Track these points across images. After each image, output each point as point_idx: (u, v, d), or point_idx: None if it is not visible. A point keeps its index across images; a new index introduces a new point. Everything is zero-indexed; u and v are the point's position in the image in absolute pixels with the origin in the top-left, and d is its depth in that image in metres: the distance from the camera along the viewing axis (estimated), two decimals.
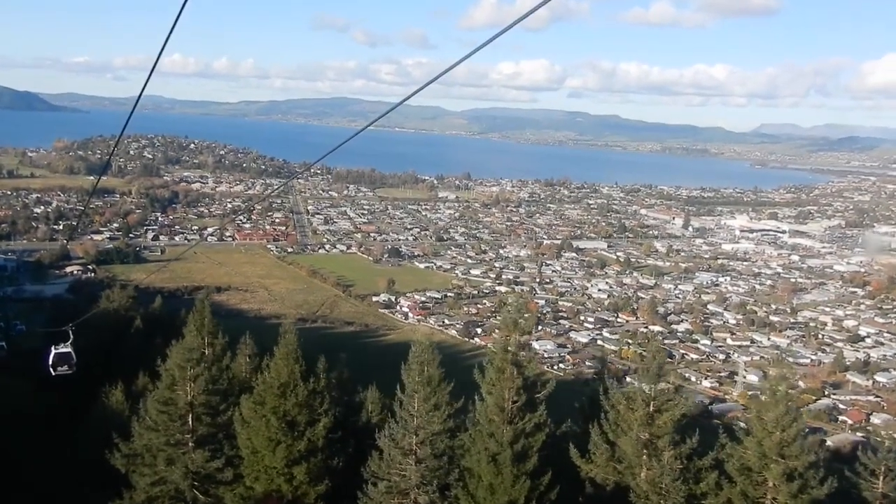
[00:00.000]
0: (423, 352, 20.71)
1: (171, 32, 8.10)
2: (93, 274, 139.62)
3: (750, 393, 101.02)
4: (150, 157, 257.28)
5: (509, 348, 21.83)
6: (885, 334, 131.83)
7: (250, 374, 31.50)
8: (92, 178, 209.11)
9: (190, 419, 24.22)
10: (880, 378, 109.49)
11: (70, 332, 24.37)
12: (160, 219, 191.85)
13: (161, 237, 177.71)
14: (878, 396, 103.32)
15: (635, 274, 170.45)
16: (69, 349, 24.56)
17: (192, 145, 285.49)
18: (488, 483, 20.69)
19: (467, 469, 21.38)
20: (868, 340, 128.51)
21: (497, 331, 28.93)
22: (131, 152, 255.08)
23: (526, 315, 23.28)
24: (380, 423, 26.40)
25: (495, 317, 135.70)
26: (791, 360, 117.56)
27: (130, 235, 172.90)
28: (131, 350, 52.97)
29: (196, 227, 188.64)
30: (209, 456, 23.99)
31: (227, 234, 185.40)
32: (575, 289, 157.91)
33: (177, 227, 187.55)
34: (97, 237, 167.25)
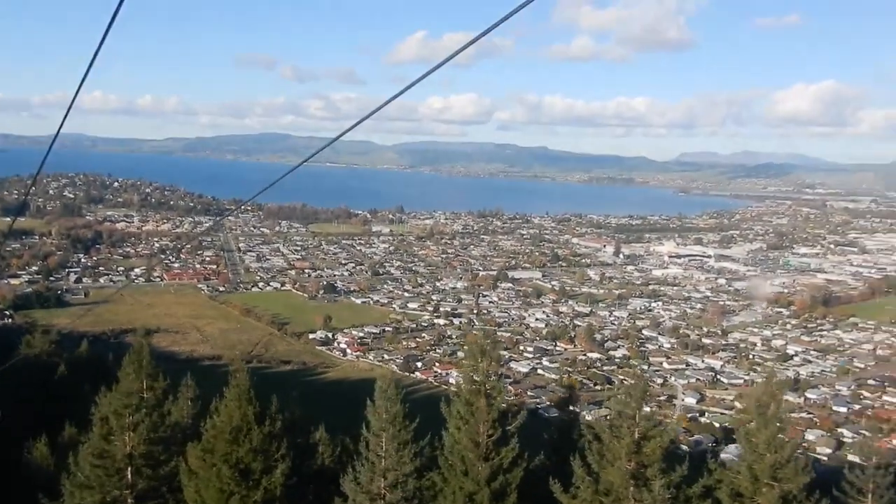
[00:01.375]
0: (389, 388, 19.55)
1: (89, 69, 7.86)
2: (10, 320, 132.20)
3: (688, 416, 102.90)
4: (72, 196, 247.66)
5: (477, 378, 20.96)
6: (812, 352, 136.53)
7: (193, 420, 29.43)
8: (8, 219, 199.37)
9: (129, 473, 21.98)
10: (810, 395, 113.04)
11: None
12: (83, 260, 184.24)
13: (84, 279, 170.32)
14: (810, 413, 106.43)
15: (571, 302, 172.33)
16: None
17: (116, 183, 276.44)
18: None
19: None
20: (796, 359, 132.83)
21: (463, 361, 27.82)
22: (51, 192, 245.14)
23: (493, 343, 22.44)
24: (335, 467, 24.82)
25: (435, 350, 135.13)
26: (725, 381, 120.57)
27: (51, 278, 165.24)
28: (56, 399, 49.79)
29: (122, 268, 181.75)
30: None
31: (156, 274, 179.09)
32: (513, 319, 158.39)
33: (101, 268, 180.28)
34: (14, 281, 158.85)
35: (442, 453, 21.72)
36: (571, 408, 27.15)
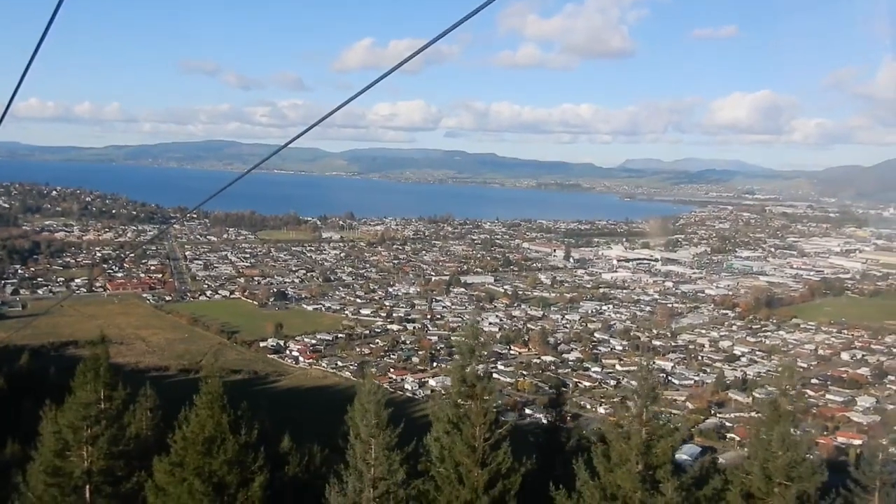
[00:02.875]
0: (377, 392, 18.54)
1: (23, 75, 7.69)
2: None
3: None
4: (7, 206, 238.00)
5: (466, 379, 20.10)
6: (757, 352, 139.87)
7: (153, 432, 27.84)
8: None
9: (87, 491, 20.23)
10: (758, 394, 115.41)
11: None
12: (20, 271, 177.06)
13: (22, 291, 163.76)
14: (758, 412, 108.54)
15: (523, 306, 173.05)
16: None
17: (55, 192, 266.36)
18: None
19: None
20: (743, 359, 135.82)
21: (451, 361, 26.79)
22: None
23: (482, 342, 21.63)
24: (305, 477, 23.63)
25: (389, 356, 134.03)
26: (676, 382, 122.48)
27: None
28: None
29: (62, 279, 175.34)
30: None
31: (98, 284, 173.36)
32: (466, 323, 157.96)
33: (40, 279, 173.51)
34: None
35: (429, 460, 20.43)
36: (560, 409, 26.44)
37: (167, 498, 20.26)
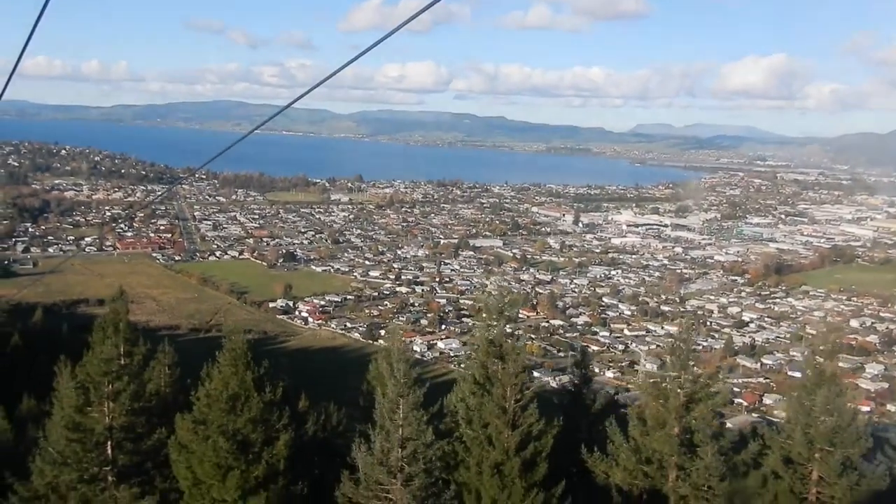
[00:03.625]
0: (406, 351, 18.15)
1: (32, 32, 7.59)
2: None
3: (651, 380, 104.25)
4: (17, 164, 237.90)
5: (494, 340, 19.74)
6: (766, 319, 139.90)
7: (170, 389, 27.70)
8: None
9: (108, 447, 19.82)
10: (766, 360, 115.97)
11: None
12: (31, 230, 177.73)
13: (33, 249, 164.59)
14: (766, 378, 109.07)
15: (532, 270, 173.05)
16: None
17: (64, 151, 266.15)
18: (491, 499, 17.89)
19: (463, 484, 18.45)
20: (751, 325, 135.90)
21: (477, 320, 26.32)
22: None
23: (510, 301, 21.21)
24: (325, 436, 23.45)
25: (398, 317, 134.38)
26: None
27: None
28: (10, 370, 47.71)
29: (72, 238, 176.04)
30: (137, 493, 19.51)
31: (108, 243, 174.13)
32: (475, 287, 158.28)
33: (50, 237, 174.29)
34: None
35: (454, 421, 20.00)
36: (585, 371, 26.12)
37: (190, 455, 19.91)
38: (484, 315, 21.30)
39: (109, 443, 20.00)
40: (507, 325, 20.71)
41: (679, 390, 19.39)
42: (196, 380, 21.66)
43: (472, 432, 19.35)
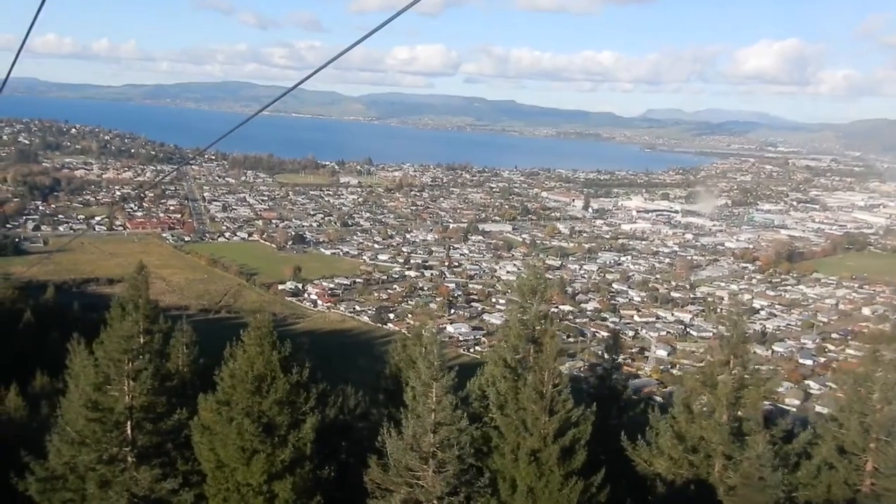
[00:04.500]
0: (438, 333, 17.48)
1: (39, 9, 7.52)
2: None
3: (661, 368, 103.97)
4: (27, 142, 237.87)
5: (527, 320, 19.06)
6: (777, 306, 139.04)
7: (188, 368, 27.19)
8: None
9: (128, 427, 19.17)
10: (777, 348, 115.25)
11: None
12: (41, 208, 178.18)
13: (43, 227, 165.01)
14: (777, 365, 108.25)
15: (541, 255, 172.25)
16: None
17: (74, 130, 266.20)
18: (526, 487, 17.17)
19: (497, 471, 17.81)
20: (762, 313, 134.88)
21: (510, 300, 25.41)
22: (4, 137, 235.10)
23: (544, 282, 20.49)
24: (346, 419, 22.77)
25: (407, 301, 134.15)
26: (695, 333, 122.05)
27: (8, 226, 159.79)
28: (22, 347, 47.61)
29: (82, 216, 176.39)
30: (159, 474, 18.86)
31: (118, 222, 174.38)
32: (484, 271, 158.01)
33: (60, 216, 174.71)
34: None
35: (483, 406, 19.18)
36: (616, 356, 25.46)
37: (214, 437, 19.30)
38: (517, 296, 20.40)
39: (129, 423, 19.44)
40: (542, 306, 19.86)
41: (729, 377, 18.53)
42: (211, 360, 21.04)
43: (506, 418, 18.65)
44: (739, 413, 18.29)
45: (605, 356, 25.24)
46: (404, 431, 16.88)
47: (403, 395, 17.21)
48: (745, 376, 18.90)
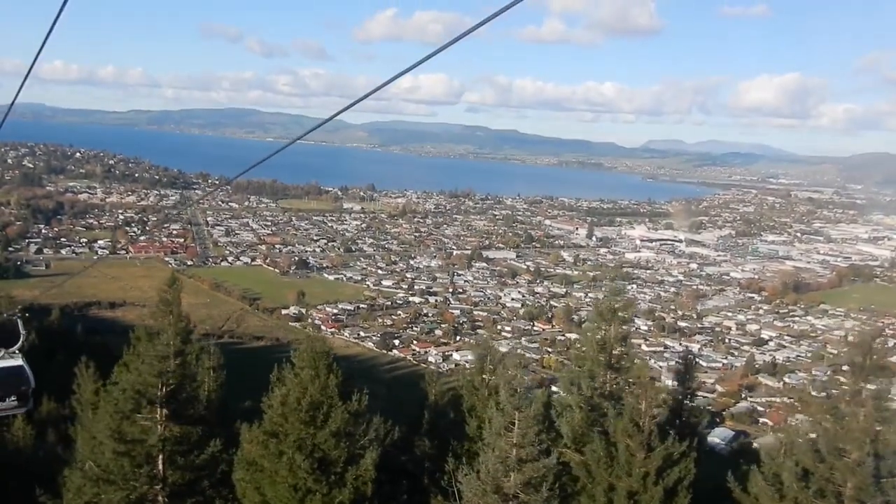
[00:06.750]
0: (517, 358, 16.01)
1: (48, 36, 7.73)
2: None
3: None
4: (31, 165, 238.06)
5: (605, 345, 17.59)
6: (786, 337, 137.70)
7: (216, 394, 25.54)
8: None
9: (160, 462, 17.15)
10: (789, 380, 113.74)
11: (19, 323, 15.71)
12: (44, 231, 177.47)
13: (45, 250, 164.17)
14: (790, 398, 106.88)
15: (546, 283, 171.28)
16: (20, 362, 14.97)
17: (78, 154, 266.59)
18: None
19: None
20: (771, 344, 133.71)
21: (587, 323, 23.49)
22: (9, 161, 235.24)
23: (625, 301, 19.06)
24: (392, 455, 20.61)
25: (412, 328, 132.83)
26: (704, 364, 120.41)
27: (10, 249, 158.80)
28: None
29: (85, 240, 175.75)
30: None
31: (121, 246, 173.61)
32: (489, 298, 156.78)
33: (63, 239, 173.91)
34: None
35: (552, 437, 17.08)
36: (689, 385, 24.01)
37: (260, 475, 17.16)
38: (594, 317, 18.84)
39: (161, 456, 17.40)
40: (620, 329, 18.42)
41: (860, 409, 16.60)
42: (237, 386, 19.51)
43: (592, 454, 16.79)
44: (877, 451, 16.03)
45: (678, 385, 23.71)
46: (481, 469, 14.94)
47: (463, 426, 15.58)
48: (880, 408, 16.52)
